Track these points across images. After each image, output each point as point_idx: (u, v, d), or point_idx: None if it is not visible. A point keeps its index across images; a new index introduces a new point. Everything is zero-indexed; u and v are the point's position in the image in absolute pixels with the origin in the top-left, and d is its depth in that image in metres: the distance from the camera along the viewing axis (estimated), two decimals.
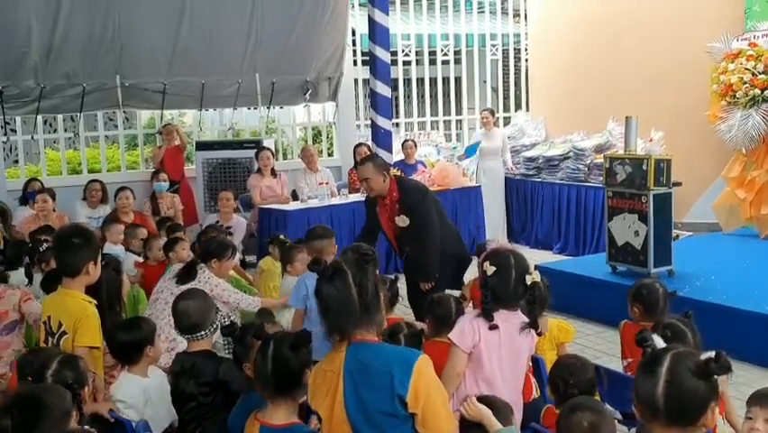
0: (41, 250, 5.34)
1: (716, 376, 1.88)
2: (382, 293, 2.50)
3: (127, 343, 3.39)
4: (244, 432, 2.61)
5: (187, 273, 4.82)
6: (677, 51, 8.84)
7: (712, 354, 1.92)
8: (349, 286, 2.35)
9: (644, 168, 6.44)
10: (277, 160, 9.36)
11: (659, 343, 2.34)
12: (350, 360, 2.35)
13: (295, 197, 8.64)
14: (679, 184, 6.78)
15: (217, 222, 7.44)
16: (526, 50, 12.12)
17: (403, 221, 5.22)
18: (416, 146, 9.52)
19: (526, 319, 3.02)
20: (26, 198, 7.81)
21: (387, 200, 5.27)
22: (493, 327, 2.93)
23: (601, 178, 8.26)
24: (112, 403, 3.25)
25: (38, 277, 5.31)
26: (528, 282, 2.99)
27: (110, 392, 3.31)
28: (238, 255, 6.40)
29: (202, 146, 9.44)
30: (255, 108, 9.94)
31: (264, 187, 8.49)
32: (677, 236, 7.48)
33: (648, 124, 7.92)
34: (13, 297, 4.52)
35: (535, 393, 3.51)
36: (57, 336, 3.40)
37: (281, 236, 6.45)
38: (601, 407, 2.64)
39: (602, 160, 7.33)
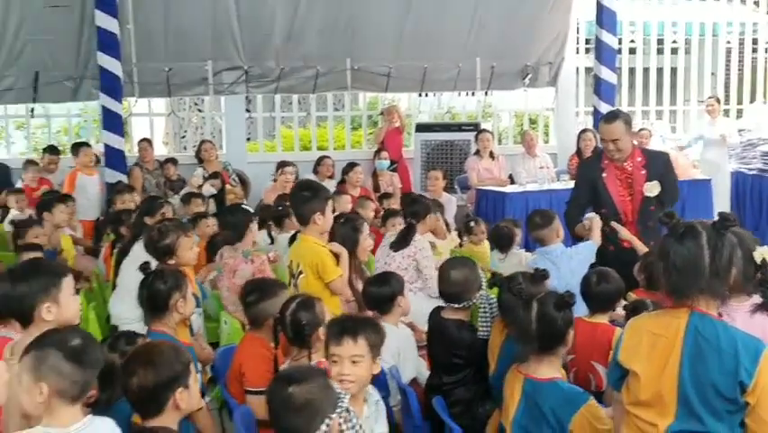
0: (280, 209, 5.98)
1: None
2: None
3: (378, 295, 3.61)
4: (505, 384, 2.67)
5: (403, 239, 4.93)
6: None
7: None
8: (701, 247, 2.22)
9: None
10: None
11: None
12: (690, 330, 2.23)
13: (512, 181, 8.62)
14: None
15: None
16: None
17: (654, 189, 4.58)
18: (651, 135, 9.06)
19: (756, 301, 2.75)
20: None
21: (628, 165, 4.64)
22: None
23: None
24: None
25: (282, 237, 5.83)
26: (758, 261, 2.73)
27: None
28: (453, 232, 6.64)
29: (421, 128, 9.68)
30: (471, 94, 10.03)
31: (482, 169, 8.55)
32: None
33: None
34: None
35: None
36: (296, 276, 3.83)
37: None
38: None
39: None
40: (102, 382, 2.69)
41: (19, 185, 7.47)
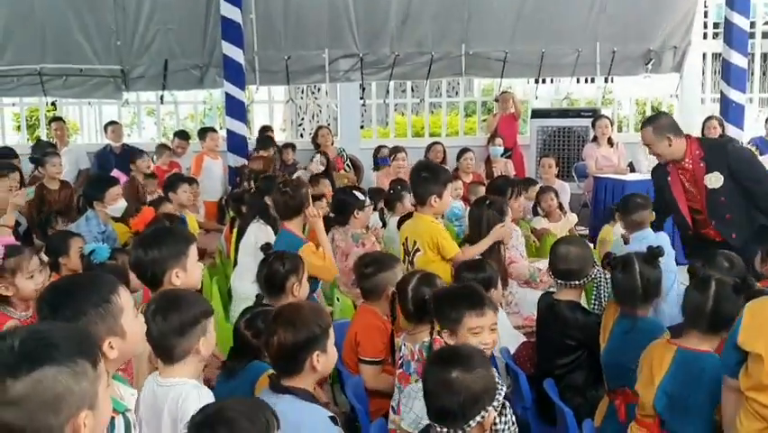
0: (392, 193, 6.03)
1: None
2: None
3: (473, 281, 3.56)
4: (645, 356, 2.72)
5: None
6: None
7: None
8: None
9: None
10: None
11: None
12: None
13: (632, 169, 8.33)
14: None
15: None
16: None
17: (714, 180, 4.34)
18: None
19: None
20: (377, 162, 8.54)
21: (685, 162, 4.42)
22: None
23: None
24: None
25: (393, 220, 5.89)
26: None
27: None
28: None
29: (538, 114, 9.51)
30: (591, 80, 9.74)
31: (600, 156, 8.29)
32: None
33: None
34: None
35: None
36: (412, 253, 3.92)
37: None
38: None
39: None
40: (235, 353, 2.86)
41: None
